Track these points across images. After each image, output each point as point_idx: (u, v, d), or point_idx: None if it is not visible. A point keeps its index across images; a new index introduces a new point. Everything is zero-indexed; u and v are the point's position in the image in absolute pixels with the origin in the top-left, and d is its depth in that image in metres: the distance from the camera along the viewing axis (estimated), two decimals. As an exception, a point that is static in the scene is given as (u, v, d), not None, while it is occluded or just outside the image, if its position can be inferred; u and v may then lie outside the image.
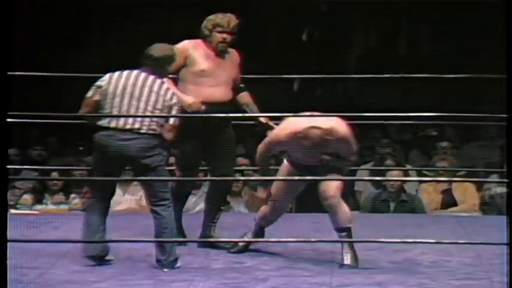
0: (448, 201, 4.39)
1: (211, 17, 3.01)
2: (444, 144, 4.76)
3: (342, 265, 2.79)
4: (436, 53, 5.44)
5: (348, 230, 2.82)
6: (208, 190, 3.24)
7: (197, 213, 4.32)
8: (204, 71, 2.98)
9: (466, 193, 4.40)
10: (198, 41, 3.03)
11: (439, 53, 5.38)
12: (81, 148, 5.35)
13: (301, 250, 3.01)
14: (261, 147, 2.89)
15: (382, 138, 4.80)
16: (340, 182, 2.82)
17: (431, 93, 4.73)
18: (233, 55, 3.07)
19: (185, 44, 3.01)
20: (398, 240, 2.79)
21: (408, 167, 4.54)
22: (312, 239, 2.89)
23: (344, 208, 2.83)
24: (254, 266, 2.83)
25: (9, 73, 2.14)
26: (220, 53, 3.01)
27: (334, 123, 2.77)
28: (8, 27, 2.11)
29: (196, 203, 4.53)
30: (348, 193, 4.61)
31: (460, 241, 2.91)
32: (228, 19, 2.97)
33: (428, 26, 5.68)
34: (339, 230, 2.82)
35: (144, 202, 4.54)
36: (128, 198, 4.49)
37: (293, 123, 2.82)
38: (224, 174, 3.06)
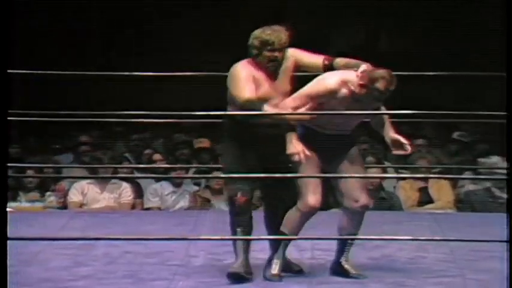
0: (425, 199, 4.46)
1: (257, 33, 2.61)
2: (419, 141, 4.82)
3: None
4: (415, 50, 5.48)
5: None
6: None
7: (177, 210, 4.34)
8: (264, 96, 2.58)
9: (441, 191, 4.47)
10: (245, 62, 2.63)
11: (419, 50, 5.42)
12: (58, 146, 5.31)
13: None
14: (290, 101, 2.54)
15: (362, 135, 4.85)
16: (364, 182, 2.65)
17: (416, 90, 4.76)
18: (287, 63, 2.64)
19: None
20: (392, 237, 2.79)
21: (387, 164, 4.59)
22: (313, 236, 2.83)
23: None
24: (235, 263, 2.78)
25: (9, 71, 2.11)
26: (272, 72, 2.62)
27: None
28: (8, 24, 2.09)
29: (176, 201, 4.54)
30: (328, 190, 4.74)
31: (454, 238, 2.95)
32: (278, 34, 2.59)
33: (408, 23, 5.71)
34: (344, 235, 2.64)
35: (123, 200, 4.55)
36: (106, 196, 4.48)
37: (340, 73, 2.54)
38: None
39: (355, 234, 2.65)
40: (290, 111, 2.56)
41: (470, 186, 4.52)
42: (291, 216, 2.65)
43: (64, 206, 4.47)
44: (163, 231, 3.52)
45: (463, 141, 5.15)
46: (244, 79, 2.58)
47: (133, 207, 4.57)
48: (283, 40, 2.59)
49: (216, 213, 4.09)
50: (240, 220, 2.63)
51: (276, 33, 2.59)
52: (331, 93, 2.56)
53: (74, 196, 4.44)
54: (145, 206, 4.56)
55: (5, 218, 2.12)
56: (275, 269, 2.65)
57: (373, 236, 2.76)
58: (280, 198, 2.67)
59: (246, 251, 2.66)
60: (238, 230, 2.65)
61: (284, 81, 2.64)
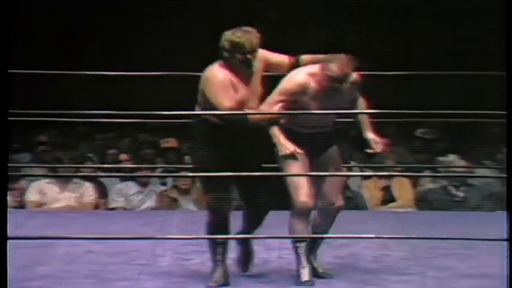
0: (388, 198, 4.55)
1: (228, 35, 2.55)
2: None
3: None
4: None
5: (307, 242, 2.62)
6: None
7: (143, 210, 4.31)
8: (240, 99, 2.55)
9: (402, 189, 4.57)
10: (219, 66, 2.58)
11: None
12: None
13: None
14: (266, 108, 2.53)
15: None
16: (342, 183, 2.63)
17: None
18: (257, 65, 2.59)
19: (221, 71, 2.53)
20: (376, 236, 2.84)
21: (352, 163, 4.67)
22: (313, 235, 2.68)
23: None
24: (202, 263, 2.82)
25: (10, 71, 2.06)
26: (245, 75, 2.58)
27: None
28: (8, 24, 2.05)
29: (142, 201, 4.50)
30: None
31: (453, 237, 2.97)
32: (249, 37, 2.53)
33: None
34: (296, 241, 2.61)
35: (85, 199, 4.49)
36: (67, 196, 4.42)
37: (306, 68, 2.53)
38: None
39: (326, 233, 2.68)
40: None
41: (429, 185, 4.65)
42: (290, 224, 2.61)
43: (21, 206, 4.39)
44: (129, 231, 3.49)
45: (426, 138, 5.27)
46: (223, 85, 2.54)
47: (96, 207, 4.51)
48: (254, 42, 2.55)
49: (184, 213, 4.07)
50: (220, 233, 2.58)
51: (247, 35, 2.54)
52: (302, 88, 2.56)
53: (32, 195, 4.38)
54: (110, 206, 4.52)
55: (5, 217, 2.09)
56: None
57: (339, 235, 2.81)
58: (256, 199, 2.65)
59: (225, 261, 2.63)
60: (219, 242, 2.59)
61: (257, 83, 2.63)
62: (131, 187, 4.49)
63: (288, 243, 2.71)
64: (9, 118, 2.05)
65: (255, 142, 2.59)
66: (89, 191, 4.47)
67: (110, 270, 2.74)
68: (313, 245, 2.70)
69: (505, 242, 2.25)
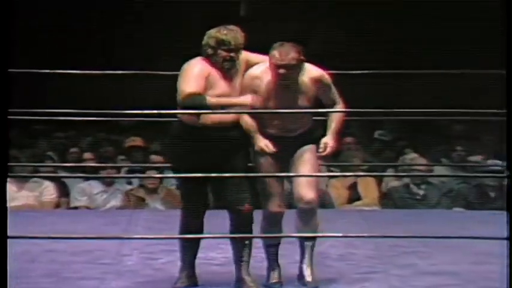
0: (354, 196, 4.61)
1: (213, 32, 2.56)
2: (349, 139, 4.93)
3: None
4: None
5: (313, 242, 2.62)
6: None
7: (108, 210, 4.23)
8: (220, 95, 2.54)
9: (367, 188, 4.64)
10: (199, 59, 2.57)
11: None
12: None
13: (212, 246, 3.00)
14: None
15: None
16: (316, 182, 2.60)
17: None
18: (240, 64, 2.60)
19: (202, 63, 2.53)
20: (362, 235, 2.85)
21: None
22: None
23: (317, 217, 2.61)
24: (170, 262, 2.79)
25: (10, 70, 2.01)
26: (227, 72, 2.57)
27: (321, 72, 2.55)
28: (8, 23, 1.98)
29: (106, 200, 4.43)
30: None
31: (451, 235, 3.00)
32: (234, 34, 2.54)
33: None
34: (304, 239, 2.60)
35: (45, 198, 4.39)
36: (25, 195, 4.32)
37: (264, 64, 2.52)
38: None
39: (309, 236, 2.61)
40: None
41: (392, 183, 4.73)
42: (262, 227, 2.59)
43: (-25, 205, 4.25)
44: (92, 230, 3.43)
45: (384, 139, 5.36)
46: (196, 75, 2.51)
47: (57, 206, 4.42)
48: (239, 40, 2.55)
49: (151, 212, 4.03)
50: (193, 234, 2.54)
51: (233, 33, 2.55)
52: (256, 80, 2.55)
53: (-14, 194, 4.25)
54: (72, 205, 4.44)
55: (5, 216, 2.04)
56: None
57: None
58: (229, 200, 2.61)
59: (193, 264, 2.60)
60: (189, 243, 2.57)
61: (238, 83, 2.60)
62: (95, 186, 4.43)
63: (258, 242, 2.69)
64: (9, 117, 2.02)
65: (232, 144, 2.56)
66: (49, 189, 4.39)
67: (72, 269, 2.69)
68: (301, 249, 2.63)
69: (502, 241, 2.29)
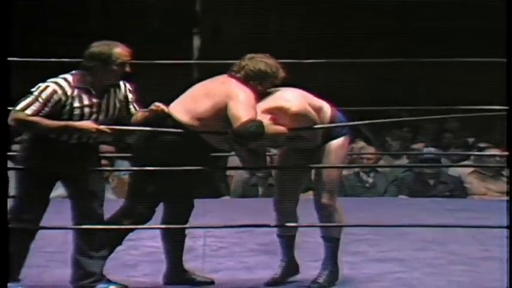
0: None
1: (271, 62, 2.56)
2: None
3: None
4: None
5: (336, 241, 2.68)
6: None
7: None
8: None
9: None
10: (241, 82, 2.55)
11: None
12: None
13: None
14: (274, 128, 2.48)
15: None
16: (334, 183, 2.66)
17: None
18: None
19: None
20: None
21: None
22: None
23: (340, 217, 2.67)
24: (122, 250, 2.75)
25: (9, 59, 1.99)
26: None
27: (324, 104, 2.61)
28: (8, 13, 1.94)
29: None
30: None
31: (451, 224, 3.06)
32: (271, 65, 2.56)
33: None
34: (328, 239, 2.67)
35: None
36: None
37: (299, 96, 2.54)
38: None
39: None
40: None
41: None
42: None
43: None
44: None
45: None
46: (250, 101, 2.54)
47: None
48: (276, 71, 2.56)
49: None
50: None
51: (273, 63, 2.56)
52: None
53: None
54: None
55: (5, 210, 2.04)
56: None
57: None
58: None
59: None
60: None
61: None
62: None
63: (212, 231, 2.75)
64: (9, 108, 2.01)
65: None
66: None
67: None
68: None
69: (504, 230, 2.34)
